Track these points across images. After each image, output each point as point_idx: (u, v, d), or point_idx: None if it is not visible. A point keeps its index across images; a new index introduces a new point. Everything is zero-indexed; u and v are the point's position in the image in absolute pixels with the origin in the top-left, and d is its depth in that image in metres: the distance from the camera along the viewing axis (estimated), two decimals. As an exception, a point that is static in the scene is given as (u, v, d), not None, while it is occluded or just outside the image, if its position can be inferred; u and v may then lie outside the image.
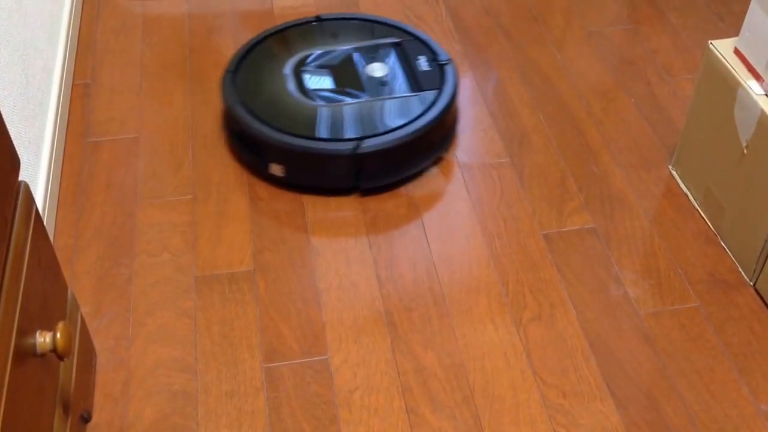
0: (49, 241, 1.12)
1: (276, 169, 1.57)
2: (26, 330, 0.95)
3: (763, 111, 1.40)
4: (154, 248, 1.55)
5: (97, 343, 1.40)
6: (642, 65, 1.99)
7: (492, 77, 1.95)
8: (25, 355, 0.94)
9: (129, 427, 1.29)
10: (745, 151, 1.47)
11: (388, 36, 1.85)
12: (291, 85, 1.72)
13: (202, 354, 1.39)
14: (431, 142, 1.69)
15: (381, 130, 1.63)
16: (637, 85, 1.93)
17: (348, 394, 1.33)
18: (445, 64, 1.76)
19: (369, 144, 1.60)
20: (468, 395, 1.34)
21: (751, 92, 1.43)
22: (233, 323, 1.43)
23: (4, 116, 1.40)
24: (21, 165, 1.12)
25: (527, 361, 1.38)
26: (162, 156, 1.73)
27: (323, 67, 1.76)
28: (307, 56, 1.79)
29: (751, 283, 1.51)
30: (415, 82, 1.73)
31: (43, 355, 1.00)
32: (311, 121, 1.64)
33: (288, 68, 1.76)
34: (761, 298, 1.48)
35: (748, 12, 1.46)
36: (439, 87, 1.72)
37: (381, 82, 1.71)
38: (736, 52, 1.50)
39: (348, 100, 1.69)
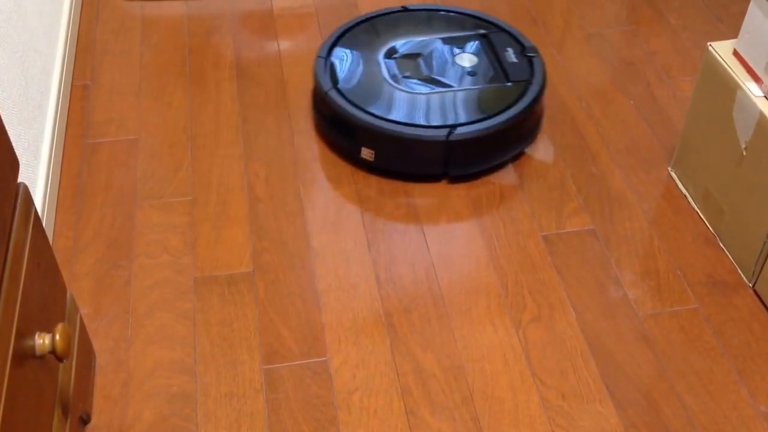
0: (48, 242, 1.12)
1: (366, 154, 1.60)
2: (25, 332, 0.95)
3: (762, 113, 1.41)
4: (153, 250, 1.55)
5: (96, 345, 1.40)
6: (641, 66, 1.99)
7: (491, 78, 1.95)
8: (24, 356, 0.94)
9: (128, 428, 1.29)
10: (744, 153, 1.47)
11: (474, 27, 1.88)
12: (383, 72, 1.76)
13: (202, 355, 1.39)
14: (519, 134, 1.72)
15: (472, 118, 1.66)
16: (637, 86, 1.93)
17: (347, 395, 1.33)
18: (533, 56, 1.79)
19: (461, 132, 1.64)
20: (467, 397, 1.34)
21: (750, 94, 1.43)
22: (232, 325, 1.43)
23: (3, 118, 1.39)
24: (20, 166, 1.12)
25: (526, 363, 1.38)
26: (161, 157, 1.73)
27: (413, 56, 1.80)
28: (397, 44, 1.83)
29: (750, 285, 1.51)
30: (504, 72, 1.76)
31: (42, 357, 1.00)
32: (404, 107, 1.68)
33: (379, 55, 1.80)
34: (760, 299, 1.48)
35: (747, 14, 1.46)
36: (528, 78, 1.75)
37: (470, 72, 1.74)
38: (735, 53, 1.50)
39: (438, 89, 1.72)
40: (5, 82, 1.47)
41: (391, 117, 1.66)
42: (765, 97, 1.42)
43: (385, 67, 1.77)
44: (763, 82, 1.43)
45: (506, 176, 1.71)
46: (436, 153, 1.65)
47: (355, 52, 1.81)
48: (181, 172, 1.70)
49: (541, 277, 1.52)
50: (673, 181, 1.71)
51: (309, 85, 1.91)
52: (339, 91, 1.71)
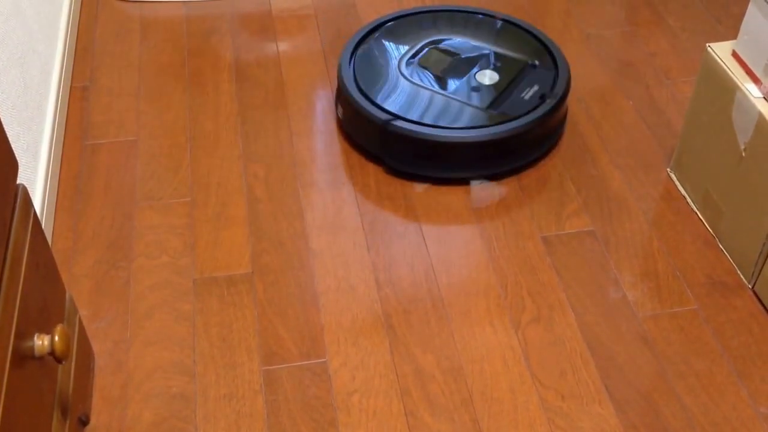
0: (47, 244, 1.12)
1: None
2: (24, 333, 0.95)
3: (761, 114, 1.41)
4: (152, 251, 1.55)
5: (96, 346, 1.40)
6: (640, 68, 1.99)
7: (490, 80, 1.95)
8: (24, 358, 0.93)
9: (127, 429, 1.29)
10: (743, 154, 1.47)
11: (529, 53, 1.84)
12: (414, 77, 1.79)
13: (201, 357, 1.39)
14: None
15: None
16: (636, 87, 1.94)
17: (347, 396, 1.33)
18: (542, 102, 1.72)
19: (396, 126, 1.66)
20: (467, 398, 1.33)
21: (749, 95, 1.43)
22: (232, 326, 1.43)
23: (2, 119, 1.39)
24: (19, 167, 1.12)
25: (526, 364, 1.38)
26: (160, 158, 1.73)
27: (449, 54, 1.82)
28: (441, 40, 1.86)
29: (750, 286, 1.51)
30: (498, 102, 1.73)
31: (41, 358, 1.00)
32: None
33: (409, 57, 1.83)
34: (760, 300, 1.48)
35: (746, 15, 1.46)
36: (515, 115, 1.69)
37: (475, 89, 1.75)
38: (734, 55, 1.50)
39: (443, 91, 1.75)
40: (4, 83, 1.47)
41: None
42: (764, 98, 1.43)
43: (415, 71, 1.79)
44: (762, 83, 1.43)
45: (505, 177, 1.71)
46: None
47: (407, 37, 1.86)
48: (180, 173, 1.70)
49: (541, 278, 1.52)
50: (673, 182, 1.71)
51: (308, 86, 1.91)
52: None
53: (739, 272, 1.53)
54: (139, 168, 1.71)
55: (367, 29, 1.89)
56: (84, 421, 1.19)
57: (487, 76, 1.77)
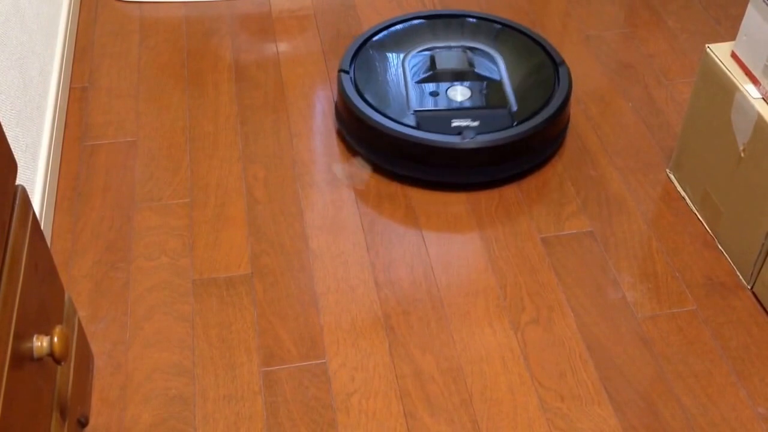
0: (46, 244, 1.11)
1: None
2: (23, 334, 0.95)
3: (760, 115, 1.41)
4: (151, 252, 1.55)
5: (95, 347, 1.40)
6: (640, 69, 1.99)
7: (490, 81, 1.95)
8: (22, 359, 0.93)
9: (126, 431, 1.29)
10: (742, 155, 1.47)
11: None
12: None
13: (200, 358, 1.39)
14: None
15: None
16: (635, 88, 1.94)
17: (346, 397, 1.33)
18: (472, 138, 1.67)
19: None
20: (466, 399, 1.33)
21: (748, 96, 1.43)
22: (231, 327, 1.43)
23: (1, 120, 1.39)
24: (18, 168, 1.12)
25: (525, 365, 1.38)
26: (159, 159, 1.73)
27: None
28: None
29: (749, 287, 1.51)
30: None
31: (40, 360, 1.00)
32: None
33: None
34: (759, 301, 1.48)
35: (745, 16, 1.46)
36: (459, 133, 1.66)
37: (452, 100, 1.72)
38: (733, 55, 1.50)
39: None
40: (3, 84, 1.47)
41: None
42: (763, 99, 1.43)
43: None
44: (761, 84, 1.43)
45: (504, 178, 1.71)
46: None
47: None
48: (179, 174, 1.70)
49: (540, 279, 1.52)
50: (672, 183, 1.71)
51: (308, 87, 1.91)
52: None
53: (738, 273, 1.53)
54: (138, 169, 1.71)
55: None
56: (83, 423, 1.19)
57: (459, 92, 1.74)
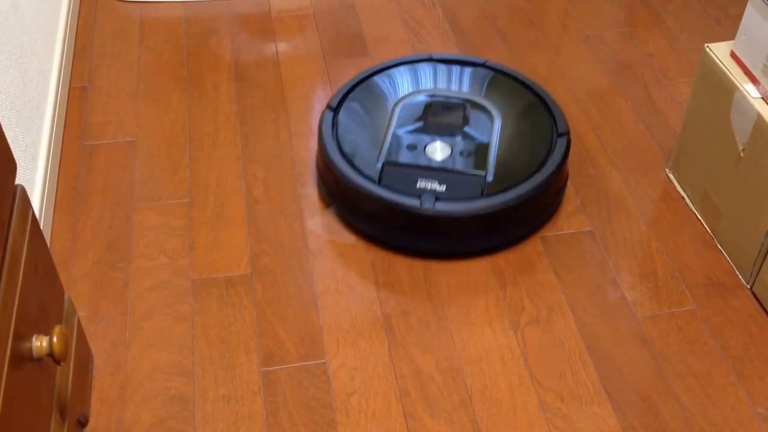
0: (46, 244, 1.12)
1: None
2: (23, 334, 0.95)
3: (759, 114, 1.41)
4: (151, 252, 1.55)
5: (94, 347, 1.40)
6: (639, 68, 1.99)
7: (489, 80, 1.95)
8: (22, 359, 0.93)
9: (126, 431, 1.29)
10: (741, 155, 1.47)
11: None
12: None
13: (199, 358, 1.39)
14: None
15: None
16: (634, 88, 1.94)
17: (345, 397, 1.33)
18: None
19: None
20: (466, 399, 1.33)
21: (747, 95, 1.43)
22: (230, 327, 1.43)
23: (0, 120, 1.39)
24: (17, 168, 1.12)
25: (524, 365, 1.38)
26: (159, 159, 1.73)
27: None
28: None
29: (748, 287, 1.51)
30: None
31: (39, 360, 1.00)
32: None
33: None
34: (758, 301, 1.49)
35: (744, 15, 1.46)
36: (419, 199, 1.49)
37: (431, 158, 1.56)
38: (733, 55, 1.50)
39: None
40: (3, 84, 1.47)
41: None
42: (762, 98, 1.43)
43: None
44: (760, 84, 1.43)
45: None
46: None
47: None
48: (179, 174, 1.70)
49: (539, 278, 1.52)
50: (671, 182, 1.71)
51: (307, 87, 1.91)
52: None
53: (737, 273, 1.53)
54: (137, 169, 1.71)
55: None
56: (82, 423, 1.19)
57: (439, 149, 1.57)
